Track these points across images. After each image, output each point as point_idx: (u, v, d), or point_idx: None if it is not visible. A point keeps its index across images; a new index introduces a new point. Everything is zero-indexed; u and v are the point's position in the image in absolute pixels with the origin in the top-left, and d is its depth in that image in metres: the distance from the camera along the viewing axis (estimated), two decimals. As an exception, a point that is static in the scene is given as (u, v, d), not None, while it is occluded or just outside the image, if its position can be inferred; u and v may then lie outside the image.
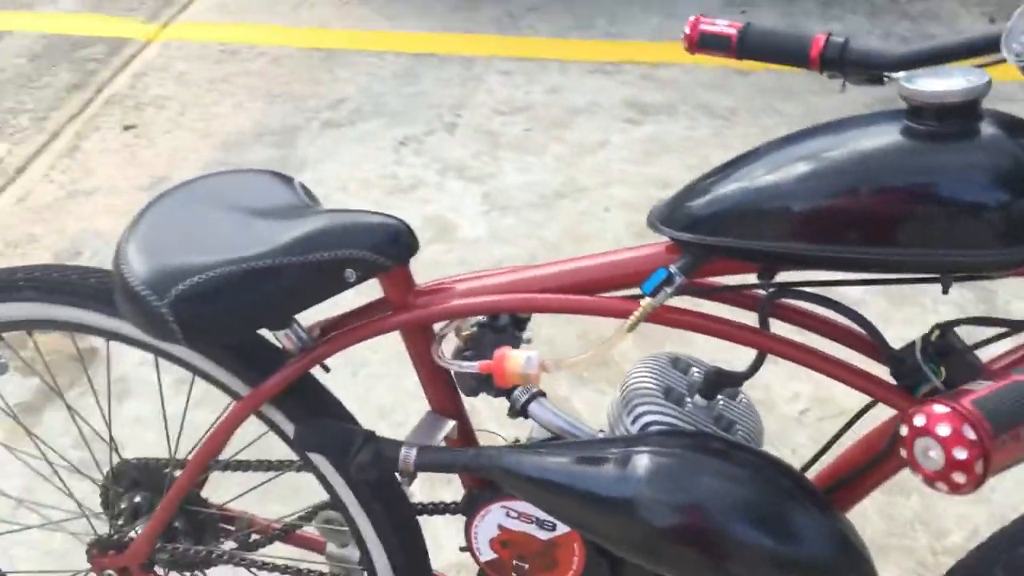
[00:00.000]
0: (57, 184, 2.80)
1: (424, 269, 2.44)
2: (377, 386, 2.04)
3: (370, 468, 1.04)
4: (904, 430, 0.73)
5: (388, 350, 1.62)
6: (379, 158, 2.76)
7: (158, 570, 1.34)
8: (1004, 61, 0.84)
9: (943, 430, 0.70)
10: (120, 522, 1.33)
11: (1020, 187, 0.79)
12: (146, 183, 2.76)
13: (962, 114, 0.81)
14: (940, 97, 0.80)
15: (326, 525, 1.31)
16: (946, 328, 0.91)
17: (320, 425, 1.09)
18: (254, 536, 1.37)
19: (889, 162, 0.82)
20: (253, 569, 1.35)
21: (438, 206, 2.57)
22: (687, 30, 1.00)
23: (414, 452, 1.03)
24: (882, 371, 0.94)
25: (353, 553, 1.31)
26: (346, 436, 1.06)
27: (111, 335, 1.18)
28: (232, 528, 1.39)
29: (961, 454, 0.69)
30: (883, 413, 0.97)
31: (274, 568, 1.32)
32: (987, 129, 0.81)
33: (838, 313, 0.93)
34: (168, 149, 2.89)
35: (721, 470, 0.93)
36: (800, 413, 1.91)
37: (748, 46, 0.98)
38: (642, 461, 0.93)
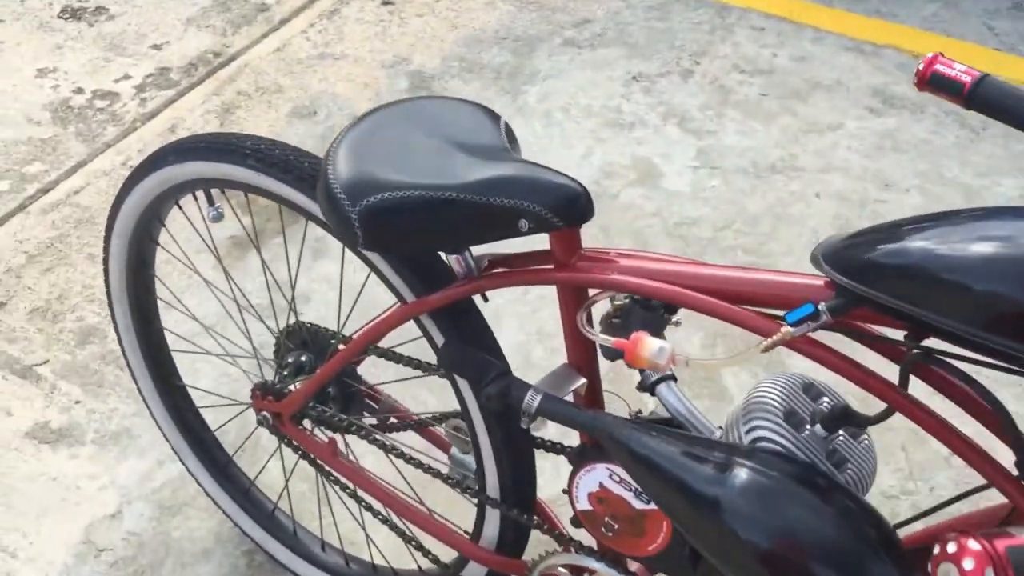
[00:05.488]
0: (312, 42, 3.00)
1: (620, 211, 2.48)
2: (541, 311, 2.14)
3: (497, 400, 1.13)
4: (937, 549, 0.75)
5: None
6: (608, 88, 2.79)
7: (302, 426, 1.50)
8: None
9: (968, 564, 0.72)
10: (284, 373, 1.50)
11: None
12: (389, 60, 2.92)
13: None
14: None
15: (454, 431, 1.43)
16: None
17: (464, 349, 1.18)
18: (392, 420, 1.51)
19: None
20: (383, 450, 1.49)
21: (650, 150, 2.59)
22: (921, 66, 0.98)
23: (539, 399, 1.11)
24: (1006, 454, 0.93)
25: (471, 462, 1.42)
26: (483, 366, 1.15)
27: (308, 215, 1.31)
28: (376, 407, 1.54)
29: None
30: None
31: (400, 455, 1.45)
32: None
33: (977, 395, 0.92)
34: (416, 31, 3.03)
35: (812, 505, 0.95)
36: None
37: (980, 97, 0.95)
38: (740, 472, 0.97)
